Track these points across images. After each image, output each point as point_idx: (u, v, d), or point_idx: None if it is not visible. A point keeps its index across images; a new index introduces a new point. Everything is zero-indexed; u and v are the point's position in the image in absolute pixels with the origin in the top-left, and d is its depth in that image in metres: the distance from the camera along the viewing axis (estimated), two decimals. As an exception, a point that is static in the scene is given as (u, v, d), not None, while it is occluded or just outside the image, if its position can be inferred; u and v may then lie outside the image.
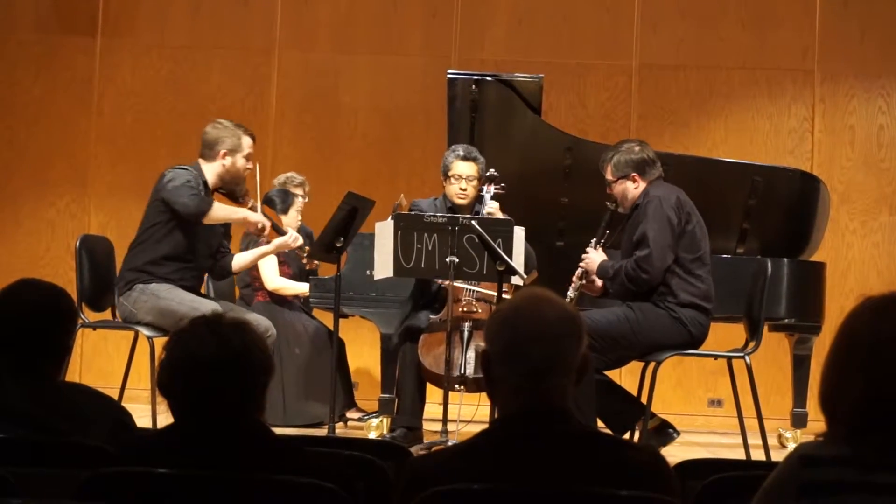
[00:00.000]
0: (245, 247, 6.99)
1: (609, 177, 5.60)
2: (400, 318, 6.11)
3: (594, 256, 5.61)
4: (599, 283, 5.63)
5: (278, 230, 5.86)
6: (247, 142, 5.79)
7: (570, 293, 5.60)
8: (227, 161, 5.75)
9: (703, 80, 8.13)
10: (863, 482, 1.93)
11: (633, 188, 5.56)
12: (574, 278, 5.63)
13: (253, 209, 5.74)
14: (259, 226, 5.70)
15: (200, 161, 5.78)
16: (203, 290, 6.33)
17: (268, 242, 5.90)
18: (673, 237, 5.42)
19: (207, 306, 5.46)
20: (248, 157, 5.79)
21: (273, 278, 6.87)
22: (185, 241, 5.71)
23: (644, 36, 8.14)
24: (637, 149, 5.59)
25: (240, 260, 6.01)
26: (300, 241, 5.90)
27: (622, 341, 5.43)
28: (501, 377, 2.26)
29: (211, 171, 5.77)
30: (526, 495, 2.13)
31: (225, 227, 5.95)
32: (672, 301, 5.43)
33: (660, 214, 5.42)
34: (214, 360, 2.36)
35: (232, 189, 5.79)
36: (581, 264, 5.63)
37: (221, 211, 5.65)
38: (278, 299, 6.91)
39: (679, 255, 5.44)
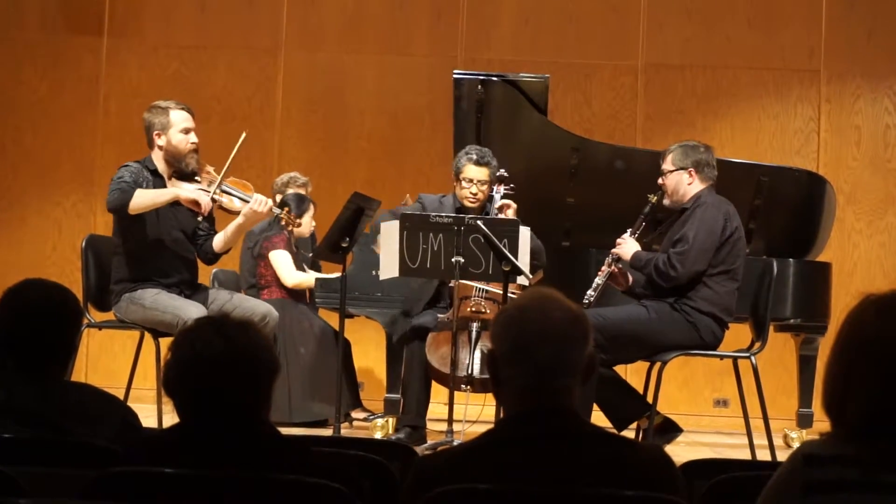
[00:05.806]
0: (252, 245, 6.98)
1: (668, 166, 5.58)
2: (405, 317, 6.10)
3: (629, 243, 5.57)
4: (631, 278, 5.59)
5: (240, 197, 5.54)
6: (178, 115, 5.55)
7: (598, 280, 5.53)
8: (162, 141, 5.55)
9: (710, 79, 8.13)
10: (866, 481, 1.93)
11: (686, 182, 5.55)
12: (604, 266, 5.58)
13: (212, 184, 5.49)
14: (198, 205, 5.45)
15: (151, 152, 5.62)
16: (208, 284, 6.24)
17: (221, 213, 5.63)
18: (713, 246, 5.42)
19: (190, 311, 5.32)
20: (185, 131, 5.54)
21: (291, 274, 6.83)
22: (155, 233, 5.52)
23: (650, 36, 8.13)
24: (702, 149, 5.62)
25: (219, 239, 5.65)
26: (268, 203, 5.55)
27: (632, 341, 5.41)
28: (507, 377, 2.25)
29: (157, 157, 5.58)
30: (532, 495, 2.13)
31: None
32: (690, 306, 5.42)
33: (708, 220, 5.42)
34: (220, 360, 2.36)
35: (179, 168, 5.56)
36: (614, 250, 5.58)
37: (146, 197, 5.38)
38: (293, 294, 6.89)
39: (712, 265, 5.43)
